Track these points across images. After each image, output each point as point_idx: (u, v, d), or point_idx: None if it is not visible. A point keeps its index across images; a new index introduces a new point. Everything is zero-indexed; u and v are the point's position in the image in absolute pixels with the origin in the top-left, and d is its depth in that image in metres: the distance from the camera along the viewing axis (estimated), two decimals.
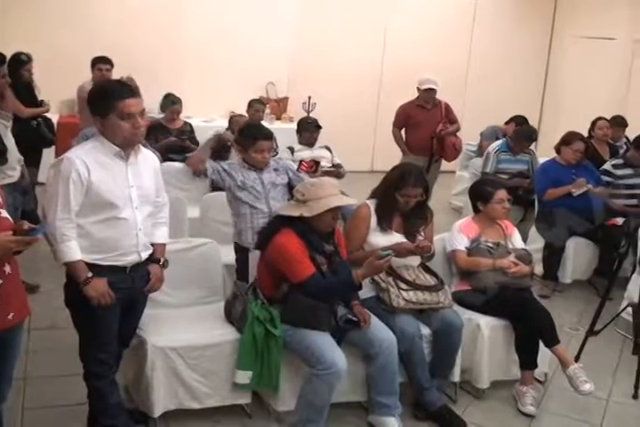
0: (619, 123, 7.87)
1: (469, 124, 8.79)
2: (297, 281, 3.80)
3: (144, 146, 3.61)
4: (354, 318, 3.90)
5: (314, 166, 5.32)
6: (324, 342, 3.78)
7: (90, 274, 3.30)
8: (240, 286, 4.12)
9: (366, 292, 4.19)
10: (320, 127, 6.99)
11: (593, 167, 6.68)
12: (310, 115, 8.68)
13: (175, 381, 3.85)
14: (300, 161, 5.39)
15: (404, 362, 4.12)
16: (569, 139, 6.51)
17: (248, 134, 4.82)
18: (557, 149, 6.60)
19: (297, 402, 3.88)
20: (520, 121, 8.16)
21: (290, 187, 4.86)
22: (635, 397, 4.62)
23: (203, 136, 7.19)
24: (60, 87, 7.84)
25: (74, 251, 3.26)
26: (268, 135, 4.88)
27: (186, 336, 3.92)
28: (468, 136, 8.62)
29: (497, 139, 7.71)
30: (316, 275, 3.80)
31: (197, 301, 4.37)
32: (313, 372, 3.74)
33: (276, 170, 4.87)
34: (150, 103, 7.94)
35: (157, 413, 3.82)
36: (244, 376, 3.87)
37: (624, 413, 4.47)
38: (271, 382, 3.90)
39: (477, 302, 4.47)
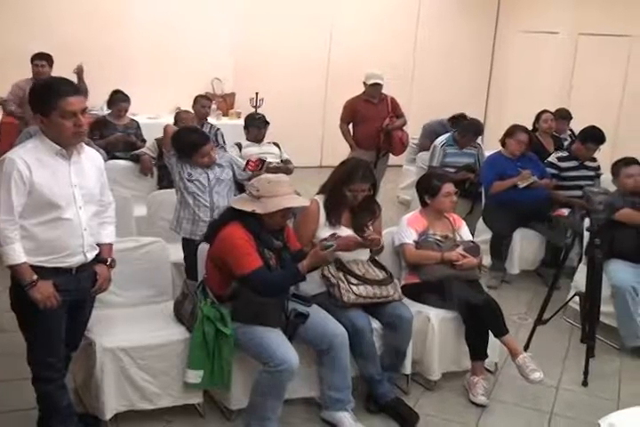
0: (563, 115, 7.97)
1: (416, 118, 8.82)
2: (242, 273, 3.76)
3: (88, 144, 3.56)
4: (304, 312, 3.89)
5: (260, 165, 5.32)
6: (275, 339, 3.76)
7: (35, 277, 3.23)
8: (189, 284, 4.09)
9: (316, 288, 4.20)
10: (268, 123, 6.98)
11: (538, 160, 6.77)
12: (258, 111, 8.64)
13: (125, 382, 3.80)
14: (248, 161, 5.40)
15: (356, 356, 4.13)
16: (512, 130, 6.59)
17: (187, 142, 4.80)
18: (502, 142, 6.68)
19: (249, 400, 3.85)
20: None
21: (235, 182, 4.88)
22: (584, 384, 4.69)
23: (149, 133, 7.15)
24: (5, 85, 7.66)
25: (18, 253, 3.20)
26: (207, 137, 4.90)
27: (135, 336, 3.87)
28: (415, 130, 8.67)
29: (437, 136, 7.64)
30: (262, 268, 3.78)
31: (146, 300, 4.33)
32: (265, 369, 3.71)
33: (219, 165, 4.89)
34: (96, 100, 7.86)
35: (108, 415, 3.77)
36: (195, 376, 3.84)
37: (574, 400, 4.54)
38: (222, 381, 3.87)
39: (426, 295, 4.50)
